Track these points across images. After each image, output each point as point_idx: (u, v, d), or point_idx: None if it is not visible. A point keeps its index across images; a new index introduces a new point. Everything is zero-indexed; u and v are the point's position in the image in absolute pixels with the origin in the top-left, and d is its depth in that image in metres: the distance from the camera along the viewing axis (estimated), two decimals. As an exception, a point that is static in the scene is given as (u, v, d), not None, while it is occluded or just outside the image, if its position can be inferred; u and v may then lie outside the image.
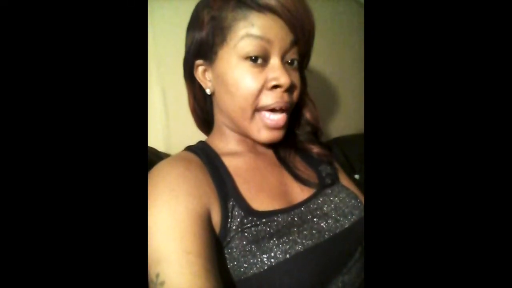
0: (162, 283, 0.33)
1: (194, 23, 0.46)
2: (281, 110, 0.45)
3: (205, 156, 0.46)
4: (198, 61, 0.47)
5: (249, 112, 0.44)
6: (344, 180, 0.56)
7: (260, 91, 0.43)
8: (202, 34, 0.45)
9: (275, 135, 0.46)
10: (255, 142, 0.51)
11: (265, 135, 0.45)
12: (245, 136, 0.48)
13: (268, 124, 0.44)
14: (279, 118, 0.44)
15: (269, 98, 0.43)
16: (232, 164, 0.47)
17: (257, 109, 0.44)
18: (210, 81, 0.47)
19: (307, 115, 0.54)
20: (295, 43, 0.44)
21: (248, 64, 0.42)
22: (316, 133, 0.55)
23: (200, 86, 0.49)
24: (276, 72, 0.43)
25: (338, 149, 0.85)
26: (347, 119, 1.03)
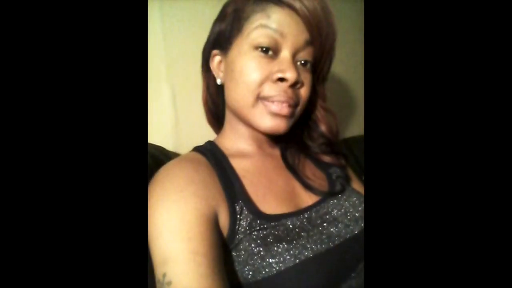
0: (169, 283, 0.33)
1: (219, 17, 0.48)
2: (284, 103, 0.44)
3: (213, 157, 0.46)
4: (215, 51, 0.48)
5: (250, 99, 0.43)
6: (355, 183, 0.56)
7: (263, 81, 0.43)
8: (222, 25, 0.46)
9: (278, 124, 0.44)
10: (263, 140, 0.51)
11: (268, 122, 0.44)
12: (248, 125, 0.48)
13: (272, 110, 0.43)
14: (282, 105, 0.44)
15: (272, 90, 0.43)
16: (240, 166, 0.47)
17: (259, 98, 0.43)
18: (222, 71, 0.48)
19: (323, 127, 0.53)
20: (310, 43, 0.44)
21: (257, 53, 0.43)
22: (330, 145, 0.54)
23: (214, 78, 0.50)
24: (283, 65, 0.42)
25: (348, 150, 0.84)
26: (356, 119, 1.02)
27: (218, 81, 0.49)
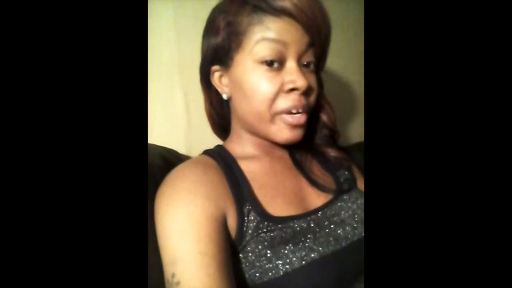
0: (178, 283, 0.34)
1: (210, 29, 0.46)
2: (298, 112, 0.44)
3: (222, 160, 0.47)
4: (215, 67, 0.47)
5: (267, 115, 0.43)
6: (363, 185, 0.55)
7: (276, 95, 0.43)
8: (218, 40, 0.45)
9: (296, 134, 0.45)
10: (272, 145, 0.51)
11: (286, 135, 0.45)
12: (263, 138, 0.48)
13: (290, 122, 0.44)
14: (299, 116, 0.44)
15: (286, 102, 0.43)
16: (249, 168, 0.47)
17: (276, 113, 0.44)
18: (226, 86, 0.47)
19: (324, 117, 0.53)
20: (311, 45, 0.44)
21: (264, 68, 0.42)
22: (333, 136, 0.54)
23: (217, 91, 0.49)
24: (293, 75, 0.42)
25: (360, 154, 0.83)
26: (356, 121, 1.00)
27: (225, 97, 0.48)
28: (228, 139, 0.54)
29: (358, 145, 0.88)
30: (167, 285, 0.35)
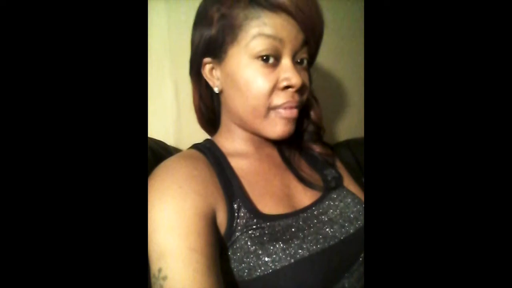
0: (164, 278, 0.33)
1: (202, 20, 0.45)
2: (291, 108, 0.44)
3: (212, 155, 0.47)
4: (206, 59, 0.46)
5: (261, 111, 0.43)
6: (349, 184, 0.56)
7: (271, 91, 0.42)
8: (211, 32, 0.44)
9: (289, 129, 0.45)
10: (262, 141, 0.51)
11: (279, 129, 0.44)
12: (254, 133, 0.48)
13: (284, 115, 0.44)
14: (292, 110, 0.44)
15: (280, 98, 0.43)
16: (238, 165, 0.47)
17: (270, 108, 0.44)
18: (218, 79, 0.46)
19: (312, 114, 0.53)
20: (305, 43, 0.44)
21: (259, 63, 0.42)
22: (318, 133, 0.55)
23: (207, 84, 0.48)
24: (288, 73, 0.42)
25: (349, 151, 0.84)
26: (358, 121, 1.01)
27: (216, 90, 0.47)
28: (218, 134, 0.53)
29: (345, 142, 0.89)
30: (153, 279, 0.35)
